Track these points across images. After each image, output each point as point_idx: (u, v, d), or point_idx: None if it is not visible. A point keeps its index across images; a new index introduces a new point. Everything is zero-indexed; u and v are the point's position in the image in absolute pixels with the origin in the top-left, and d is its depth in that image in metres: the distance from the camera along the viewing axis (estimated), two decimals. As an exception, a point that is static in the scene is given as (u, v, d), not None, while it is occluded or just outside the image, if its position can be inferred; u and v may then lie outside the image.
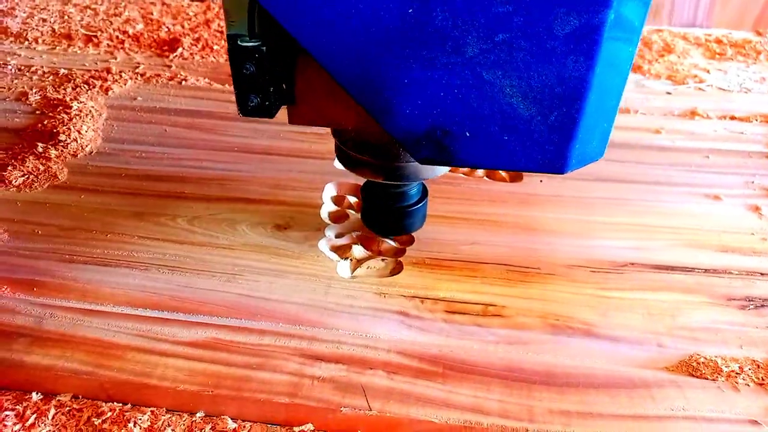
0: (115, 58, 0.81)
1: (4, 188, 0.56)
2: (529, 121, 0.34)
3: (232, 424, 0.38)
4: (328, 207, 0.56)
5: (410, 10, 0.32)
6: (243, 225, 0.53)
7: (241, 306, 0.45)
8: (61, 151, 0.61)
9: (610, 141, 0.65)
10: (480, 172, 0.61)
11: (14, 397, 0.39)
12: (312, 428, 0.38)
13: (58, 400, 0.39)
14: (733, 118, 0.71)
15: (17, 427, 0.37)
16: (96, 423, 0.37)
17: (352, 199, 0.57)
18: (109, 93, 0.72)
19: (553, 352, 0.42)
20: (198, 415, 0.38)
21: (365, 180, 0.48)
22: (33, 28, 0.88)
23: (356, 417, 0.38)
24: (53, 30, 0.88)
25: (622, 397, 0.39)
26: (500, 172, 0.61)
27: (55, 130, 0.64)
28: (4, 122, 0.67)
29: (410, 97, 0.34)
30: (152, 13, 0.94)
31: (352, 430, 0.38)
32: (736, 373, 0.40)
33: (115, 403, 0.39)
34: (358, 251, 0.51)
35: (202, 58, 0.82)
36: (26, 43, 0.84)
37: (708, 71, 0.82)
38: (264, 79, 0.36)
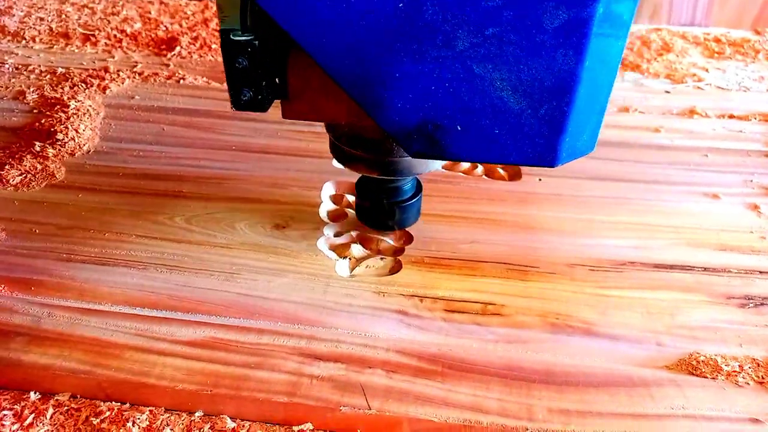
0: (113, 57, 0.81)
1: (2, 187, 0.56)
2: (520, 114, 0.35)
3: (231, 424, 0.38)
4: (326, 206, 0.55)
5: (401, 5, 0.32)
6: (241, 224, 0.53)
7: (239, 305, 0.45)
8: (59, 150, 0.61)
9: (609, 140, 0.66)
10: (479, 170, 0.61)
11: (12, 396, 0.39)
12: (311, 427, 0.38)
13: (57, 400, 0.39)
14: (731, 116, 0.71)
15: (15, 426, 0.37)
16: (94, 422, 0.37)
17: (351, 198, 0.57)
18: (107, 92, 0.72)
19: (553, 350, 0.42)
20: (197, 414, 0.38)
21: (360, 175, 0.48)
22: (30, 27, 0.88)
23: (355, 416, 0.38)
24: (51, 29, 0.88)
25: (621, 395, 0.39)
26: (499, 170, 0.61)
27: (52, 129, 0.63)
28: (2, 121, 0.66)
29: (402, 91, 0.35)
30: (150, 12, 0.93)
31: (352, 429, 0.38)
32: (736, 372, 0.40)
33: (113, 403, 0.39)
34: (356, 250, 0.51)
35: (200, 56, 0.82)
36: (23, 42, 0.84)
37: (707, 70, 0.82)
38: (256, 73, 0.36)
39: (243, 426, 0.38)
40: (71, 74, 0.75)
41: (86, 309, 0.44)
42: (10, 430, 0.37)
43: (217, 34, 0.87)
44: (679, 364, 0.41)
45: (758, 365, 0.41)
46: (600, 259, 0.50)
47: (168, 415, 0.38)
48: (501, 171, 0.61)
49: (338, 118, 0.41)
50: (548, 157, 0.36)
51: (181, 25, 0.90)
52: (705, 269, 0.49)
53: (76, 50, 0.82)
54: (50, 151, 0.60)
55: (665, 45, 0.88)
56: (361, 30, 0.33)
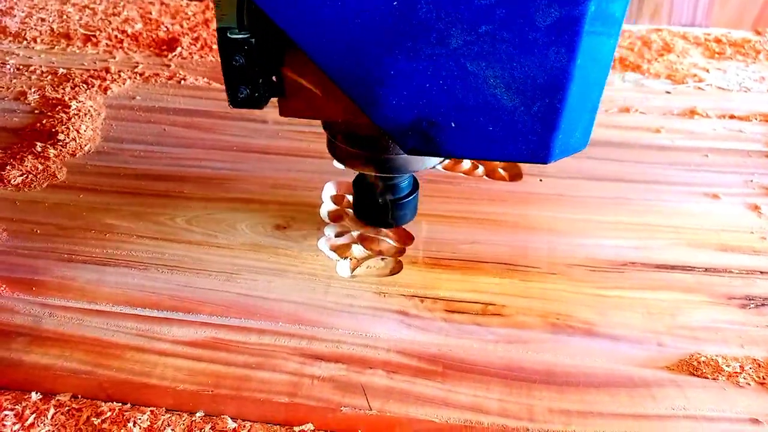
0: (114, 58, 0.81)
1: (3, 187, 0.56)
2: (513, 111, 0.35)
3: (231, 424, 0.38)
4: (327, 206, 0.55)
5: (395, 3, 0.32)
6: (242, 224, 0.53)
7: (240, 305, 0.45)
8: (60, 150, 0.61)
9: (610, 140, 0.66)
10: (479, 171, 0.61)
11: (13, 396, 0.39)
12: (312, 428, 0.38)
13: (58, 400, 0.39)
14: (732, 117, 0.71)
15: (16, 426, 0.37)
16: (95, 423, 0.37)
17: (352, 198, 0.57)
18: (108, 92, 0.72)
19: (553, 351, 0.42)
20: (198, 414, 0.38)
21: (357, 173, 0.48)
22: (31, 28, 0.88)
23: (356, 416, 0.38)
24: (52, 29, 0.88)
25: (622, 396, 0.39)
26: (499, 170, 0.61)
27: (53, 130, 0.64)
28: (3, 122, 0.66)
29: (396, 89, 0.35)
30: (151, 13, 0.93)
31: (352, 430, 0.38)
32: (737, 373, 0.40)
33: (114, 403, 0.39)
34: (357, 250, 0.51)
35: (201, 57, 0.82)
36: (25, 42, 0.84)
37: (707, 70, 0.82)
38: (253, 71, 0.36)
39: (244, 426, 0.38)
40: (72, 75, 0.75)
41: (87, 309, 0.44)
42: (11, 430, 0.37)
43: (217, 34, 0.87)
44: (679, 364, 0.41)
45: (759, 366, 0.41)
46: (600, 260, 0.50)
47: (169, 415, 0.38)
48: (501, 171, 0.61)
49: (335, 116, 0.41)
50: (541, 154, 0.37)
51: (182, 26, 0.90)
52: (706, 270, 0.49)
53: (77, 51, 0.82)
54: (51, 152, 0.60)
55: (666, 45, 0.88)
56: (356, 28, 0.33)
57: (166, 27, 0.89)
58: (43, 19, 0.91)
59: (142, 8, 0.95)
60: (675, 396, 0.39)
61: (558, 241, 0.52)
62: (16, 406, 0.38)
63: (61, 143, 0.62)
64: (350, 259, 0.50)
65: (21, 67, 0.78)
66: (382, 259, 0.50)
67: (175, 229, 0.52)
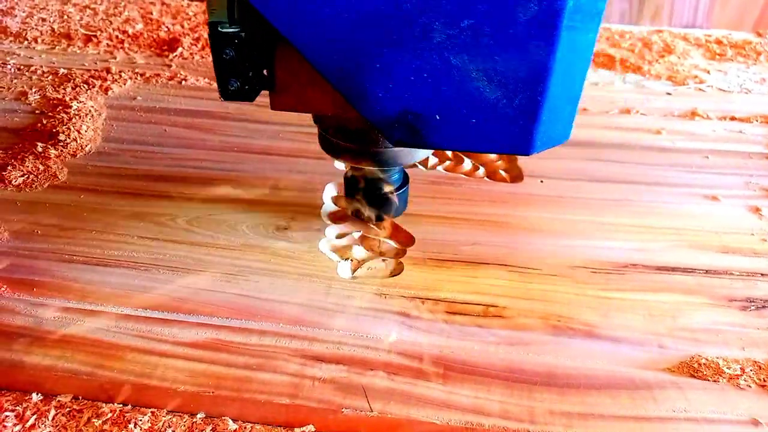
0: (115, 58, 0.81)
1: (4, 188, 0.56)
2: (495, 104, 0.36)
3: (232, 425, 0.38)
4: (328, 207, 0.55)
5: None
6: (243, 225, 0.53)
7: (241, 306, 0.45)
8: (61, 150, 0.61)
9: (611, 141, 0.66)
10: (480, 172, 0.61)
11: (14, 397, 0.39)
12: (313, 429, 0.38)
13: (59, 401, 0.39)
14: (733, 118, 0.71)
15: (17, 428, 0.37)
16: (96, 424, 0.37)
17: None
18: (109, 93, 0.72)
19: (554, 353, 0.42)
20: (199, 416, 0.38)
21: (349, 167, 0.49)
22: (32, 28, 0.88)
23: (357, 418, 0.38)
24: (53, 29, 0.88)
25: (623, 398, 0.39)
26: (500, 172, 0.61)
27: (54, 130, 0.64)
28: (4, 122, 0.66)
29: (382, 82, 0.36)
30: (152, 13, 0.93)
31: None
32: (738, 375, 0.40)
33: (115, 404, 0.39)
34: (358, 252, 0.51)
35: (202, 57, 0.82)
36: (26, 42, 0.84)
37: (708, 72, 0.82)
38: (243, 64, 0.37)
39: (245, 428, 0.38)
40: (73, 75, 0.75)
41: (88, 310, 0.44)
42: (12, 431, 0.37)
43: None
44: (680, 366, 0.41)
45: (760, 368, 0.41)
46: (602, 261, 0.50)
47: (170, 416, 0.38)
48: (503, 173, 0.61)
49: (324, 110, 0.42)
50: (524, 146, 0.37)
51: (182, 26, 0.90)
52: (707, 271, 0.49)
53: (78, 51, 0.82)
54: (52, 152, 0.60)
55: (667, 47, 0.88)
56: (343, 23, 0.34)
57: (167, 27, 0.89)
58: (44, 19, 0.91)
59: (143, 8, 0.95)
60: (676, 398, 0.39)
61: (559, 243, 0.52)
62: (17, 407, 0.38)
63: (62, 144, 0.62)
64: (351, 260, 0.50)
65: (22, 67, 0.78)
66: (383, 260, 0.50)
67: (176, 229, 0.52)
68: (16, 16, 0.92)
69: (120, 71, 0.77)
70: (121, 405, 0.39)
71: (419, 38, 0.34)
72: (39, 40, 0.85)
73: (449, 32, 0.34)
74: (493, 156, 0.63)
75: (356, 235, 0.52)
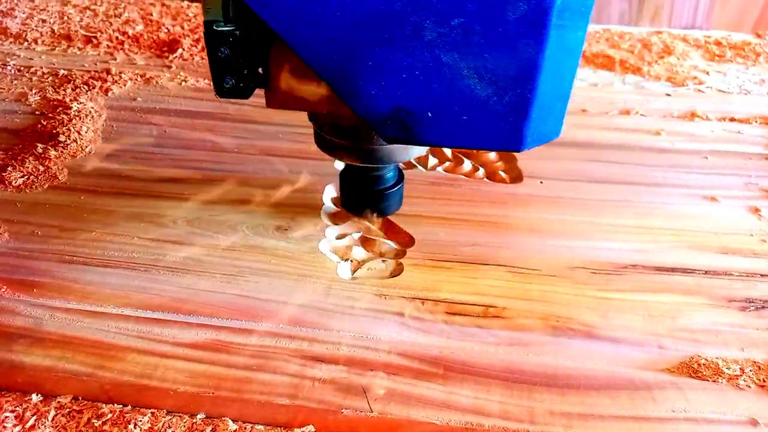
0: (115, 59, 0.81)
1: (4, 189, 0.56)
2: (486, 101, 0.36)
3: (232, 426, 0.38)
4: (328, 208, 0.55)
5: None
6: (243, 226, 0.53)
7: (241, 307, 0.45)
8: (61, 151, 0.61)
9: (610, 142, 0.66)
10: (480, 173, 0.61)
11: (14, 398, 0.39)
12: (313, 430, 0.38)
13: (58, 402, 0.39)
14: (732, 119, 0.71)
15: (17, 429, 0.37)
16: (96, 425, 0.37)
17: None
18: (109, 94, 0.72)
19: (554, 353, 0.42)
20: (199, 416, 0.38)
21: (344, 164, 0.50)
22: (32, 29, 0.88)
23: (357, 419, 0.38)
24: (53, 31, 0.88)
25: (623, 398, 0.39)
26: (500, 173, 0.61)
27: (54, 131, 0.64)
28: (4, 123, 0.66)
29: (375, 79, 0.37)
30: (152, 14, 0.94)
31: (353, 432, 0.38)
32: (737, 375, 0.40)
33: (115, 405, 0.39)
34: (358, 252, 0.51)
35: (202, 59, 0.82)
36: (26, 43, 0.84)
37: (707, 73, 0.82)
38: (238, 62, 0.38)
39: (245, 428, 0.38)
40: (73, 76, 0.75)
41: (88, 311, 0.44)
42: (13, 432, 0.37)
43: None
44: (680, 367, 0.41)
45: (759, 368, 0.41)
46: (601, 262, 0.50)
47: (170, 417, 0.38)
48: (502, 174, 0.61)
49: (319, 108, 0.42)
50: (514, 142, 0.38)
51: (182, 27, 0.90)
52: (706, 272, 0.49)
53: (78, 52, 0.82)
54: (52, 153, 0.60)
55: (666, 48, 0.88)
56: (336, 21, 0.35)
57: (167, 28, 0.89)
58: (44, 20, 0.91)
59: (143, 9, 0.95)
60: (675, 398, 0.39)
61: (558, 244, 0.52)
62: (17, 408, 0.38)
63: (62, 145, 0.62)
64: (351, 260, 0.50)
65: (22, 68, 0.78)
66: (383, 261, 0.50)
67: (176, 230, 0.52)
68: (16, 17, 0.92)
69: (120, 72, 0.77)
70: (121, 406, 0.39)
71: (411, 37, 0.35)
72: (39, 41, 0.85)
73: (440, 30, 0.34)
74: (492, 156, 0.63)
75: (356, 236, 0.53)
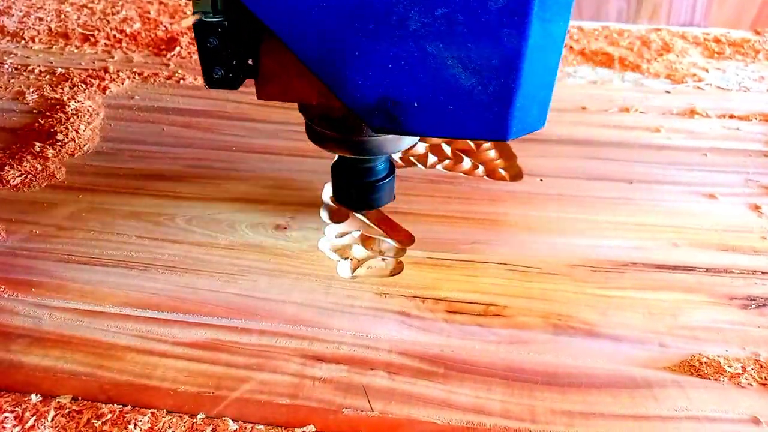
0: (113, 57, 0.80)
1: (2, 188, 0.56)
2: (471, 91, 0.37)
3: (233, 426, 0.37)
4: (328, 206, 0.55)
5: None
6: (242, 225, 0.53)
7: (240, 306, 0.45)
8: (59, 150, 0.61)
9: (610, 140, 0.66)
10: (479, 170, 0.61)
11: (13, 398, 0.39)
12: (313, 429, 0.38)
13: (58, 402, 0.39)
14: (732, 116, 0.71)
15: (16, 429, 0.37)
16: (96, 425, 0.37)
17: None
18: (107, 92, 0.72)
19: (555, 351, 0.42)
20: (199, 416, 0.38)
21: (335, 157, 0.50)
22: (29, 27, 0.88)
23: (358, 418, 0.38)
24: (50, 29, 0.88)
25: (624, 397, 0.39)
26: (500, 170, 0.61)
27: (52, 130, 0.63)
28: (1, 122, 0.66)
29: (361, 70, 0.37)
30: (149, 12, 0.93)
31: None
32: (739, 373, 0.40)
33: (115, 405, 0.38)
34: (358, 251, 0.51)
35: (200, 57, 0.81)
36: (23, 42, 0.84)
37: (707, 70, 0.82)
38: (227, 52, 0.38)
39: (245, 428, 0.37)
40: (71, 74, 0.75)
41: (87, 310, 0.44)
42: (12, 432, 0.37)
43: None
44: (681, 365, 0.41)
45: (761, 366, 0.41)
46: (601, 260, 0.50)
47: (170, 417, 0.38)
48: (502, 171, 0.61)
49: (308, 99, 0.42)
50: (500, 131, 0.38)
51: (180, 25, 0.89)
52: (707, 270, 0.49)
53: (76, 50, 0.82)
54: (50, 152, 0.60)
55: (665, 45, 0.88)
56: (323, 11, 0.35)
57: (164, 26, 0.89)
58: (41, 19, 0.90)
59: (140, 7, 0.95)
60: (677, 396, 0.39)
61: (558, 242, 0.52)
62: (16, 408, 0.38)
63: (59, 143, 0.61)
64: (351, 259, 0.50)
65: (19, 66, 0.77)
66: (383, 259, 0.50)
67: (174, 229, 0.52)
68: (13, 15, 0.91)
69: (118, 71, 0.76)
70: (120, 406, 0.38)
71: (396, 27, 0.35)
72: (36, 40, 0.84)
73: (424, 21, 0.35)
74: (492, 154, 0.63)
75: (356, 234, 0.52)
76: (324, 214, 0.54)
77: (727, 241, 0.52)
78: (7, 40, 0.84)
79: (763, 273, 0.49)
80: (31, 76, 0.75)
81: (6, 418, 0.37)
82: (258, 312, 0.44)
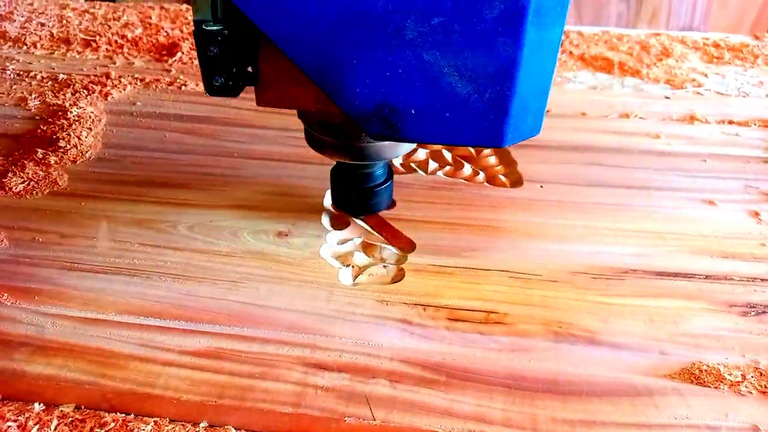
0: (114, 63, 0.81)
1: (4, 195, 0.56)
2: (467, 98, 0.37)
3: (235, 434, 0.38)
4: (329, 213, 0.55)
5: None
6: (244, 232, 0.53)
7: (242, 314, 0.45)
8: (61, 157, 0.61)
9: (609, 146, 0.66)
10: (480, 177, 0.61)
11: (16, 407, 0.39)
12: (315, 438, 0.38)
13: (61, 411, 0.39)
14: (731, 122, 0.71)
15: (20, 438, 0.37)
16: (99, 433, 0.37)
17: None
18: (109, 98, 0.72)
19: (556, 359, 0.42)
20: (201, 425, 0.38)
21: (334, 162, 0.51)
22: (31, 33, 0.88)
23: (360, 427, 0.38)
24: (52, 34, 0.88)
25: (624, 405, 0.39)
26: (500, 177, 0.61)
27: (54, 136, 0.63)
28: (4, 128, 0.66)
29: (359, 77, 0.38)
30: (151, 18, 0.93)
31: (356, 440, 0.38)
32: (739, 381, 0.41)
33: (118, 414, 0.39)
34: (359, 258, 0.51)
35: (201, 62, 0.81)
36: (24, 47, 0.84)
37: (706, 75, 0.82)
38: (227, 60, 0.39)
39: (248, 436, 0.38)
40: (73, 80, 0.75)
41: (89, 318, 0.44)
42: (15, 441, 0.37)
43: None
44: (682, 372, 0.41)
45: (761, 374, 0.41)
46: (602, 267, 0.50)
47: (173, 425, 0.38)
48: (502, 178, 0.61)
49: (307, 105, 0.43)
50: (495, 139, 0.39)
51: (182, 31, 0.90)
52: (707, 277, 0.49)
53: (78, 56, 0.82)
54: (52, 159, 0.60)
55: (664, 50, 0.88)
56: (321, 20, 0.36)
57: (166, 32, 0.89)
58: (42, 24, 0.91)
59: (141, 13, 0.95)
60: (677, 404, 0.39)
61: (559, 248, 0.52)
62: (19, 417, 0.38)
63: (62, 150, 0.62)
64: (352, 266, 0.50)
65: (21, 72, 0.78)
66: (384, 266, 0.50)
67: (177, 236, 0.52)
68: (14, 20, 0.91)
69: (120, 76, 0.77)
70: (123, 414, 0.39)
71: (393, 35, 0.36)
72: (38, 45, 0.85)
73: (421, 29, 0.35)
74: (492, 160, 0.63)
75: (357, 241, 0.53)
76: (325, 221, 0.54)
77: (726, 248, 0.52)
78: (9, 46, 0.84)
79: (762, 280, 0.49)
80: (33, 82, 0.75)
81: (9, 427, 0.37)
82: (260, 320, 0.45)
